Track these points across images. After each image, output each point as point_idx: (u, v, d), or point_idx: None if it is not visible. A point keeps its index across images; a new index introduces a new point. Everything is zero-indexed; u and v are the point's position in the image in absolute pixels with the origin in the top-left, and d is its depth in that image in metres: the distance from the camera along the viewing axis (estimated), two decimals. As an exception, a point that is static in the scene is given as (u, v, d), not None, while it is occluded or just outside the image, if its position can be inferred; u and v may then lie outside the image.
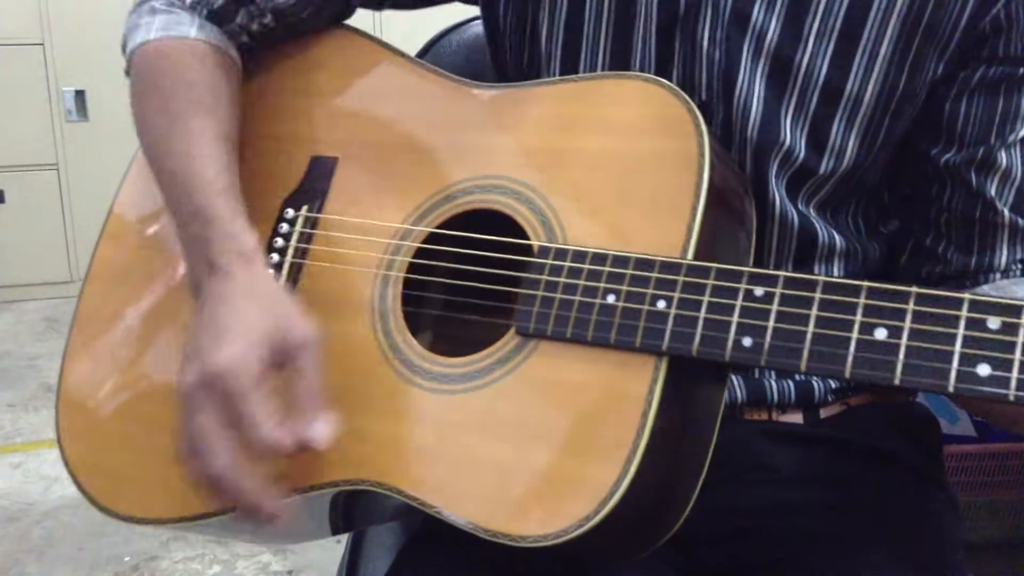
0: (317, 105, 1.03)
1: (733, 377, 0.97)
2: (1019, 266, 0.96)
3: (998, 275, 0.96)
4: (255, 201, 0.98)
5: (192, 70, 0.98)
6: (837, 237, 0.97)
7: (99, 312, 1.04)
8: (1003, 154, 0.93)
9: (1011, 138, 0.92)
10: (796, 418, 0.99)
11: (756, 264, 0.94)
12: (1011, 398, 0.67)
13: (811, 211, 0.96)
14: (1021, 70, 0.91)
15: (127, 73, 1.03)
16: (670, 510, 0.83)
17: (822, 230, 0.96)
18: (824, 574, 0.91)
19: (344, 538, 1.19)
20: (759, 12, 0.90)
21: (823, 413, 1.00)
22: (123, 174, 1.09)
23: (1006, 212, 0.94)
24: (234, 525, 0.92)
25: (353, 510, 0.95)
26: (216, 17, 1.01)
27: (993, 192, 0.94)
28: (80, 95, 4.24)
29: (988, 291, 0.95)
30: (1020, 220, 0.94)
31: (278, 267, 0.97)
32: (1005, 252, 0.95)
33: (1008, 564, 2.25)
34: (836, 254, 0.98)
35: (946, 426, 2.15)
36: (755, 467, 0.97)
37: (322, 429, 0.81)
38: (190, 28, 1.00)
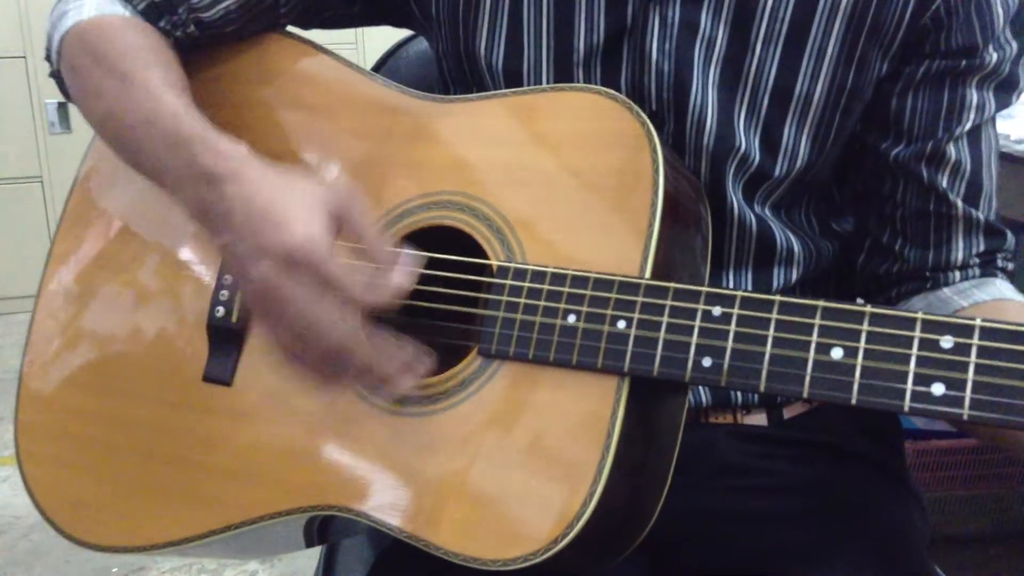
0: (263, 120, 1.00)
1: None
2: (977, 261, 0.97)
3: (957, 274, 0.97)
4: (191, 226, 0.96)
5: (135, 36, 0.96)
6: (794, 239, 0.98)
7: (52, 332, 1.03)
8: (951, 147, 0.94)
9: (958, 130, 0.94)
10: (760, 419, 1.00)
11: (716, 270, 0.96)
12: (965, 417, 0.67)
13: (767, 213, 0.97)
14: (963, 63, 0.92)
15: (56, 64, 1.01)
16: (635, 524, 0.83)
17: (779, 233, 0.97)
18: None
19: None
20: (707, 20, 0.92)
21: (787, 413, 1.01)
22: (67, 196, 1.07)
23: (959, 204, 0.95)
24: (199, 548, 0.92)
25: (327, 530, 0.96)
26: (142, 16, 1.00)
27: (945, 184, 0.95)
28: (63, 107, 4.22)
29: (952, 296, 0.96)
30: (974, 211, 0.96)
31: (228, 304, 0.95)
32: (961, 246, 0.96)
33: (986, 558, 2.26)
34: (794, 258, 0.99)
35: (924, 422, 2.16)
36: (722, 471, 0.98)
37: (406, 270, 0.80)
38: (124, 9, 0.99)
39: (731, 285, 0.97)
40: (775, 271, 0.99)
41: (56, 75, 1.03)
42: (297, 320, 0.78)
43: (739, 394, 0.99)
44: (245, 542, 0.94)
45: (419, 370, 0.82)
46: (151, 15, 0.99)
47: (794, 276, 0.99)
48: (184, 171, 0.85)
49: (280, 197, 0.80)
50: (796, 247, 0.98)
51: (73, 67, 0.98)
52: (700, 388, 0.98)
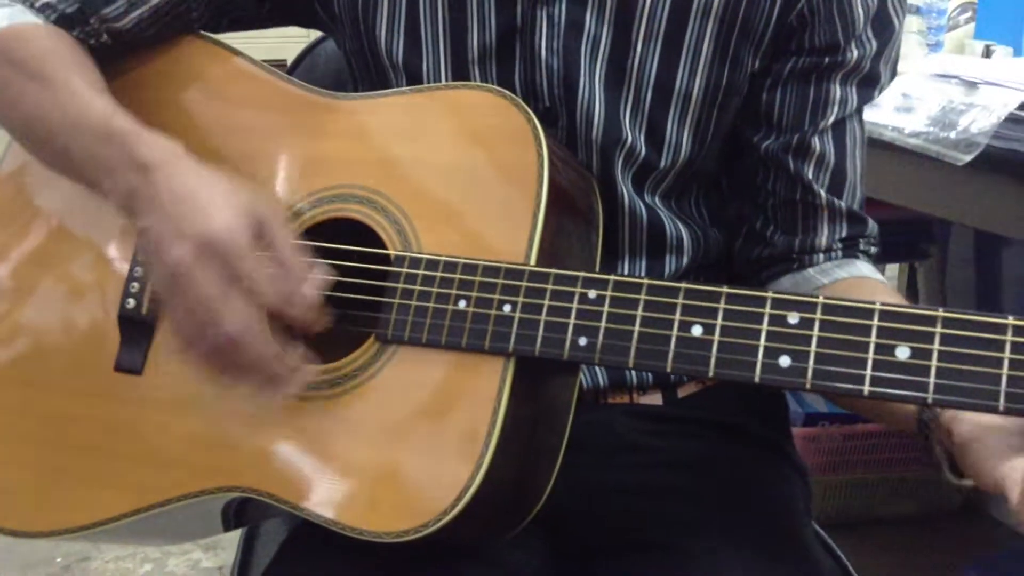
0: (172, 120, 1.01)
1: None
2: (840, 245, 1.03)
3: (821, 256, 1.03)
4: (105, 220, 0.99)
5: (52, 42, 0.98)
6: (683, 228, 1.04)
7: None
8: (816, 140, 1.00)
9: (822, 124, 1.00)
10: (656, 399, 1.05)
11: (610, 259, 1.01)
12: (808, 386, 0.74)
13: (658, 203, 1.03)
14: (827, 59, 0.98)
15: None
16: (527, 498, 0.89)
17: (669, 222, 1.03)
18: (682, 552, 0.96)
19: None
20: (591, 20, 0.97)
21: (681, 393, 1.06)
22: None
23: (823, 194, 1.01)
24: (119, 530, 0.95)
25: (242, 513, 0.99)
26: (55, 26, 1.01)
27: (810, 176, 1.01)
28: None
29: (815, 275, 1.02)
30: (836, 201, 1.02)
31: (139, 296, 0.98)
32: (825, 232, 1.03)
33: (915, 539, 2.32)
34: (684, 246, 1.04)
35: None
36: (617, 448, 1.02)
37: (314, 286, 0.84)
38: (37, 19, 1.00)
39: (626, 273, 1.03)
40: (667, 259, 1.04)
41: None
42: (199, 306, 0.81)
43: (635, 376, 1.03)
44: (159, 525, 0.97)
45: (307, 375, 0.86)
46: (64, 25, 1.01)
47: (684, 263, 1.05)
48: (116, 161, 0.88)
49: (206, 188, 0.84)
50: (685, 236, 1.04)
51: None
52: (598, 371, 1.03)
